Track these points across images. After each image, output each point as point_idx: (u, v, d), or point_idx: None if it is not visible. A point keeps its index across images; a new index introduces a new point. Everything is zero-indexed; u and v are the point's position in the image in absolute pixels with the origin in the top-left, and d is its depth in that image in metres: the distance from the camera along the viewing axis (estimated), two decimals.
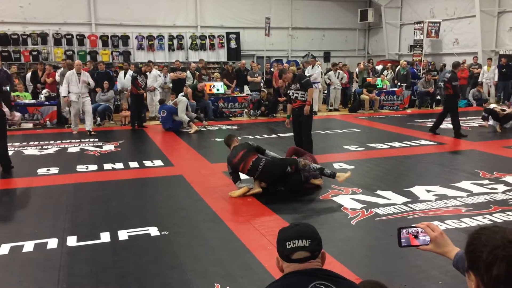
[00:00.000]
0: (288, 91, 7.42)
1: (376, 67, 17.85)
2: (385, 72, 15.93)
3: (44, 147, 8.99)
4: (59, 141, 9.49)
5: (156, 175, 6.89)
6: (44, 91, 12.55)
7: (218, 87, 13.61)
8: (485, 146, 8.64)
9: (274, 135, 10.15)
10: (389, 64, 16.75)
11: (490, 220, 4.72)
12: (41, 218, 5.05)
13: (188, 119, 10.72)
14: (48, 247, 4.18)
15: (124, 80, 12.86)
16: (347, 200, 5.43)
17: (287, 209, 5.21)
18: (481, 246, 1.16)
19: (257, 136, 9.97)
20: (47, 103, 11.97)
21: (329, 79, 14.30)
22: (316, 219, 4.93)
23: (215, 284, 3.42)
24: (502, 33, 16.47)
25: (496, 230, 1.18)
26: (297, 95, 7.21)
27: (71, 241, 4.30)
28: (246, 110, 13.38)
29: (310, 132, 7.37)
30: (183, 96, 12.39)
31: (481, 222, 4.65)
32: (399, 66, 16.19)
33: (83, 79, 10.21)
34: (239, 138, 6.24)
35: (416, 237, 1.61)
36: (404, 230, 1.62)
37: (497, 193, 5.62)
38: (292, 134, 10.19)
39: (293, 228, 1.72)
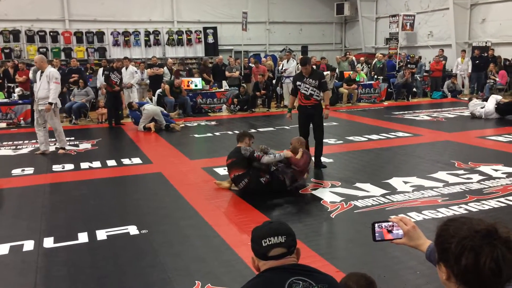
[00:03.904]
0: (299, 83, 6.64)
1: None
2: (359, 66, 16.07)
3: (18, 147, 8.80)
4: (34, 141, 9.26)
5: (135, 173, 6.81)
6: (18, 89, 12.26)
7: (196, 82, 13.52)
8: (460, 137, 8.81)
9: (253, 130, 10.13)
10: (362, 58, 16.89)
11: (466, 209, 4.82)
12: (16, 219, 4.93)
13: (143, 125, 10.29)
14: (24, 249, 4.09)
15: (102, 77, 12.65)
16: (327, 194, 5.47)
17: (267, 204, 5.22)
18: (449, 237, 1.18)
19: (236, 131, 9.94)
20: (20, 101, 11.69)
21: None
22: (296, 214, 4.96)
23: (196, 281, 3.40)
24: (475, 25, 16.78)
25: (463, 221, 1.21)
26: (313, 92, 6.55)
27: (48, 242, 4.22)
28: (225, 105, 13.33)
29: (323, 133, 6.87)
30: (160, 92, 12.29)
31: (457, 212, 4.75)
32: (376, 59, 16.35)
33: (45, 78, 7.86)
34: (251, 141, 5.80)
35: (390, 231, 1.63)
36: (378, 225, 1.63)
37: (472, 182, 5.74)
38: (271, 128, 10.24)
39: (267, 226, 1.73)
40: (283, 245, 1.66)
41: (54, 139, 8.80)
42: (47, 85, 7.81)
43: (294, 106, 7.20)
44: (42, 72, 7.95)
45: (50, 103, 7.80)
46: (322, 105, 6.75)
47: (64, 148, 8.24)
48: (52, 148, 8.41)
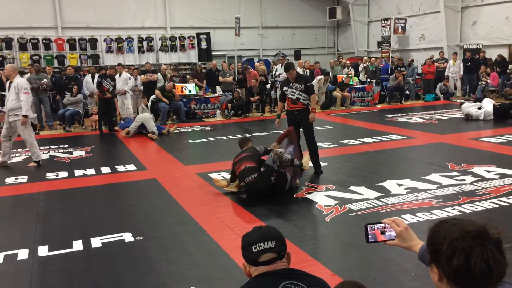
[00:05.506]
0: (286, 88, 6.69)
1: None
2: (346, 69, 16.14)
3: (12, 155, 8.72)
4: (27, 149, 9.23)
5: (129, 179, 6.80)
6: None
7: (190, 88, 13.52)
8: (453, 139, 8.86)
9: (247, 135, 10.14)
10: (347, 62, 16.97)
11: (459, 211, 4.85)
12: (11, 228, 4.92)
13: (133, 131, 10.37)
14: (19, 258, 4.07)
15: (92, 84, 12.63)
16: (321, 197, 5.49)
17: (262, 208, 5.22)
18: (440, 239, 1.20)
19: (231, 137, 9.96)
20: None
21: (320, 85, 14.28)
22: (291, 218, 4.96)
23: (192, 287, 3.40)
24: (466, 27, 16.93)
25: (454, 222, 1.22)
26: (299, 96, 6.57)
27: (43, 251, 4.20)
28: (219, 110, 13.34)
29: (314, 137, 6.86)
30: (154, 99, 12.27)
31: (451, 214, 4.78)
32: (368, 62, 16.44)
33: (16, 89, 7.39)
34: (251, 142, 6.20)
35: (383, 232, 1.65)
36: (370, 226, 1.65)
37: (465, 184, 5.78)
38: (265, 133, 10.27)
39: (257, 232, 1.74)
40: (274, 250, 1.67)
41: (47, 147, 8.78)
42: (15, 96, 7.37)
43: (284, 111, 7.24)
44: (11, 82, 7.56)
45: (25, 116, 7.35)
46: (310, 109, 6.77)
47: (36, 162, 7.68)
48: (45, 156, 8.36)
